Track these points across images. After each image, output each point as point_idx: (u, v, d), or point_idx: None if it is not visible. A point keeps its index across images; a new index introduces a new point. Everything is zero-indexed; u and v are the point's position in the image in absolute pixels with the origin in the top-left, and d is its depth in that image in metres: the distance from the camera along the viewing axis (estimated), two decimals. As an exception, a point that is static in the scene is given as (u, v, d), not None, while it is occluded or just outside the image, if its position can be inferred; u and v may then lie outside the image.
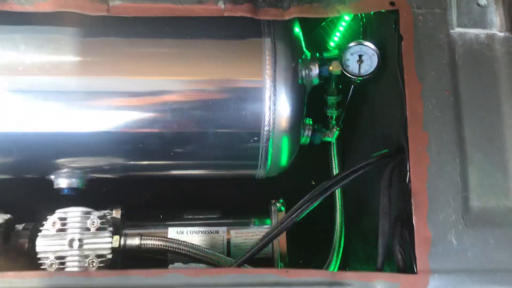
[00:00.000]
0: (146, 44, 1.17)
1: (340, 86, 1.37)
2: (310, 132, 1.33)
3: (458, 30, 1.07)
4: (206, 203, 1.53)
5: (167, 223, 1.38)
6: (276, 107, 1.16)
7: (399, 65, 1.08)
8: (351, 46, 1.23)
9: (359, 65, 1.22)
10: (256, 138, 1.18)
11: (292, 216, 1.12)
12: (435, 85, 1.05)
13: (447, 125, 1.03)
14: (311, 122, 1.34)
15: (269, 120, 1.17)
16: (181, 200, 1.55)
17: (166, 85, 1.16)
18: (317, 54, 1.26)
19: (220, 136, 1.19)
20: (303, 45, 1.26)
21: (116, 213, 1.33)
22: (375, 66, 1.21)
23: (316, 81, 1.25)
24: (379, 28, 1.26)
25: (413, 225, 0.99)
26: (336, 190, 1.46)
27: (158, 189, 1.52)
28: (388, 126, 1.22)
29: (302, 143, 1.33)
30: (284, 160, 1.26)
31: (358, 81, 1.23)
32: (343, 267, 1.51)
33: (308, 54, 1.26)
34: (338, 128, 1.37)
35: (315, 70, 1.23)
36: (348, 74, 1.22)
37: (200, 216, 1.41)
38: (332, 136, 1.38)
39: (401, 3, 1.07)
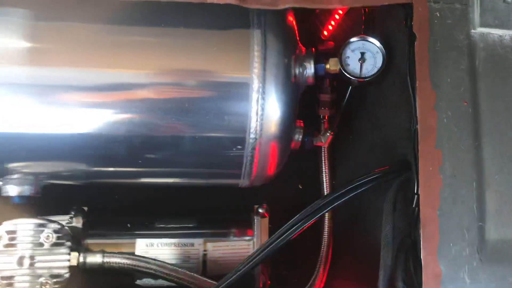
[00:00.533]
0: (111, 31, 0.99)
1: (335, 84, 1.21)
2: (301, 136, 1.16)
3: (480, 30, 0.91)
4: (180, 208, 1.36)
5: (135, 232, 1.24)
6: (265, 111, 1.00)
7: (409, 68, 0.93)
8: (352, 42, 1.06)
9: (361, 64, 1.06)
10: (240, 147, 1.02)
11: (278, 240, 0.96)
12: (452, 94, 0.89)
13: (464, 142, 0.88)
14: (302, 125, 1.18)
15: (256, 126, 1.01)
16: (152, 203, 1.38)
17: (135, 78, 0.98)
18: (313, 49, 1.10)
19: (198, 141, 1.02)
20: (297, 39, 1.09)
21: (77, 222, 1.16)
22: (380, 66, 1.05)
23: (310, 81, 1.08)
24: (384, 21, 1.09)
25: (419, 256, 0.85)
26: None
27: (126, 191, 1.35)
28: (391, 135, 1.07)
29: (293, 148, 1.17)
30: (272, 169, 1.10)
31: (358, 83, 1.07)
32: (330, 279, 1.35)
33: (302, 49, 1.09)
34: (331, 133, 1.21)
35: (310, 68, 1.07)
36: (347, 75, 1.06)
37: (173, 226, 1.26)
38: (324, 141, 1.22)
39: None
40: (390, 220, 0.90)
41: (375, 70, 1.05)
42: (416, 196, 0.88)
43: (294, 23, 1.08)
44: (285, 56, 1.02)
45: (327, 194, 1.08)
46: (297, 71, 1.05)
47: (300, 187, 1.49)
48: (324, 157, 1.31)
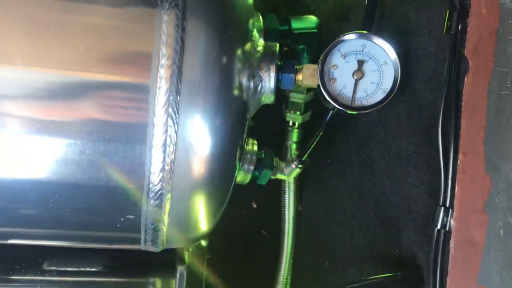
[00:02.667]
0: None
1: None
2: (252, 166, 0.75)
3: None
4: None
5: (12, 278, 0.83)
6: (180, 144, 0.57)
7: (443, 114, 0.51)
8: (345, 40, 0.62)
9: (356, 82, 0.62)
10: (134, 203, 0.60)
11: None
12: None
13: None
14: (255, 149, 0.76)
15: (162, 173, 0.58)
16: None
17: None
18: (277, 46, 0.65)
19: (69, 187, 0.59)
20: (251, 23, 0.64)
21: None
22: (388, 90, 0.61)
23: (269, 99, 0.65)
24: (404, 11, 0.65)
25: None
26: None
27: None
28: (388, 204, 0.66)
29: (238, 182, 0.76)
30: (195, 229, 0.69)
31: (348, 113, 0.64)
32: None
33: (259, 41, 0.65)
34: (300, 165, 0.79)
35: (268, 80, 0.63)
36: (329, 99, 0.63)
37: (70, 270, 0.86)
38: (288, 175, 0.81)
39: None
40: None
41: (380, 95, 0.61)
42: None
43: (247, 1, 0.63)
44: (222, 52, 0.58)
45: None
46: (244, 82, 0.61)
47: (254, 207, 1.09)
48: (288, 191, 0.90)
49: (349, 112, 0.63)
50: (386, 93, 0.61)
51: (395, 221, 0.63)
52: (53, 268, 0.87)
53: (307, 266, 0.97)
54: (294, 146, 0.90)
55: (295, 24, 0.83)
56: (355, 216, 0.76)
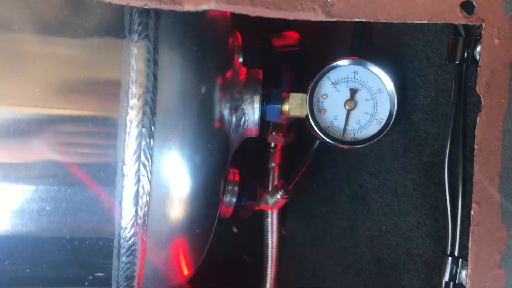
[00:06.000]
0: None
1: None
2: (234, 199, 0.68)
3: None
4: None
5: None
6: (154, 195, 0.50)
7: (449, 153, 0.45)
8: (337, 66, 0.56)
9: (348, 113, 0.57)
10: (103, 259, 0.53)
11: None
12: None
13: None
14: (237, 179, 0.69)
15: (134, 228, 0.51)
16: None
17: None
18: (260, 73, 0.58)
19: (27, 247, 0.52)
20: (231, 46, 0.58)
21: None
22: (384, 122, 0.56)
23: (253, 132, 0.59)
24: (396, 32, 0.59)
25: None
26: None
27: None
28: (386, 238, 0.60)
29: (220, 215, 0.70)
30: (175, 278, 0.62)
31: (336, 147, 0.58)
32: None
33: (241, 68, 0.58)
34: (284, 196, 0.73)
35: (252, 110, 0.56)
36: (319, 132, 0.57)
37: None
38: (273, 205, 0.75)
39: (489, 9, 0.41)
40: None
41: (375, 127, 0.55)
42: None
43: (226, 21, 0.57)
44: (200, 89, 0.51)
45: None
46: (226, 117, 0.55)
47: (235, 231, 1.04)
48: (270, 224, 0.84)
49: (340, 146, 0.57)
50: (382, 124, 0.56)
51: (394, 263, 0.58)
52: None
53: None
54: (276, 168, 0.85)
55: (276, 42, 0.77)
56: (346, 250, 0.70)
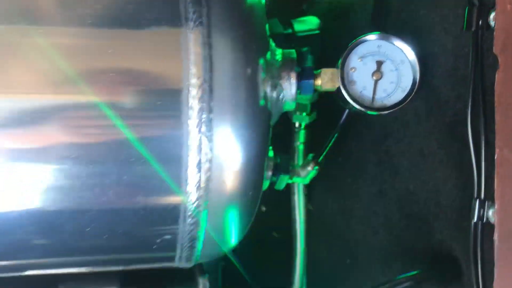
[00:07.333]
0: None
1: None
2: (270, 172, 0.75)
3: None
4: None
5: None
6: (215, 159, 0.57)
7: (471, 108, 0.52)
8: (363, 42, 0.63)
9: (375, 82, 0.63)
10: (171, 223, 0.59)
11: None
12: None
13: None
14: (271, 154, 0.76)
15: (198, 192, 0.58)
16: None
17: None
18: (294, 53, 0.65)
19: (107, 214, 0.59)
20: (268, 31, 0.64)
21: None
22: (409, 89, 0.62)
23: (290, 106, 0.65)
24: (408, 9, 0.66)
25: None
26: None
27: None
28: (414, 202, 0.67)
29: None
30: (228, 242, 0.69)
31: (369, 113, 0.65)
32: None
33: (278, 51, 0.65)
34: (316, 167, 0.79)
35: (290, 85, 0.63)
36: (351, 101, 0.64)
37: None
38: (304, 176, 0.81)
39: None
40: None
41: (400, 95, 0.63)
42: None
43: (263, 10, 0.63)
44: (247, 68, 0.58)
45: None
46: (268, 93, 0.62)
47: (263, 210, 1.06)
48: (297, 197, 0.90)
49: (370, 112, 0.64)
50: (407, 92, 0.62)
51: (424, 216, 0.64)
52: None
53: (325, 265, 0.97)
54: (302, 147, 0.90)
55: (298, 27, 0.83)
56: (376, 213, 0.77)
